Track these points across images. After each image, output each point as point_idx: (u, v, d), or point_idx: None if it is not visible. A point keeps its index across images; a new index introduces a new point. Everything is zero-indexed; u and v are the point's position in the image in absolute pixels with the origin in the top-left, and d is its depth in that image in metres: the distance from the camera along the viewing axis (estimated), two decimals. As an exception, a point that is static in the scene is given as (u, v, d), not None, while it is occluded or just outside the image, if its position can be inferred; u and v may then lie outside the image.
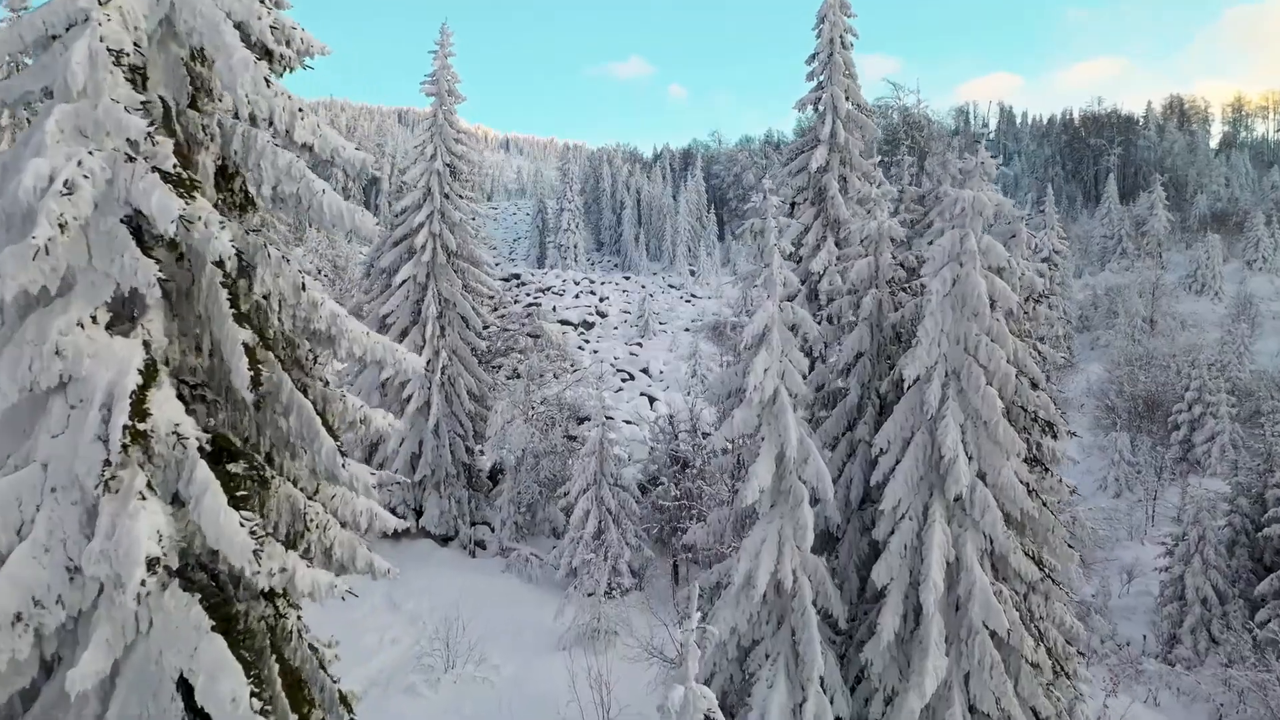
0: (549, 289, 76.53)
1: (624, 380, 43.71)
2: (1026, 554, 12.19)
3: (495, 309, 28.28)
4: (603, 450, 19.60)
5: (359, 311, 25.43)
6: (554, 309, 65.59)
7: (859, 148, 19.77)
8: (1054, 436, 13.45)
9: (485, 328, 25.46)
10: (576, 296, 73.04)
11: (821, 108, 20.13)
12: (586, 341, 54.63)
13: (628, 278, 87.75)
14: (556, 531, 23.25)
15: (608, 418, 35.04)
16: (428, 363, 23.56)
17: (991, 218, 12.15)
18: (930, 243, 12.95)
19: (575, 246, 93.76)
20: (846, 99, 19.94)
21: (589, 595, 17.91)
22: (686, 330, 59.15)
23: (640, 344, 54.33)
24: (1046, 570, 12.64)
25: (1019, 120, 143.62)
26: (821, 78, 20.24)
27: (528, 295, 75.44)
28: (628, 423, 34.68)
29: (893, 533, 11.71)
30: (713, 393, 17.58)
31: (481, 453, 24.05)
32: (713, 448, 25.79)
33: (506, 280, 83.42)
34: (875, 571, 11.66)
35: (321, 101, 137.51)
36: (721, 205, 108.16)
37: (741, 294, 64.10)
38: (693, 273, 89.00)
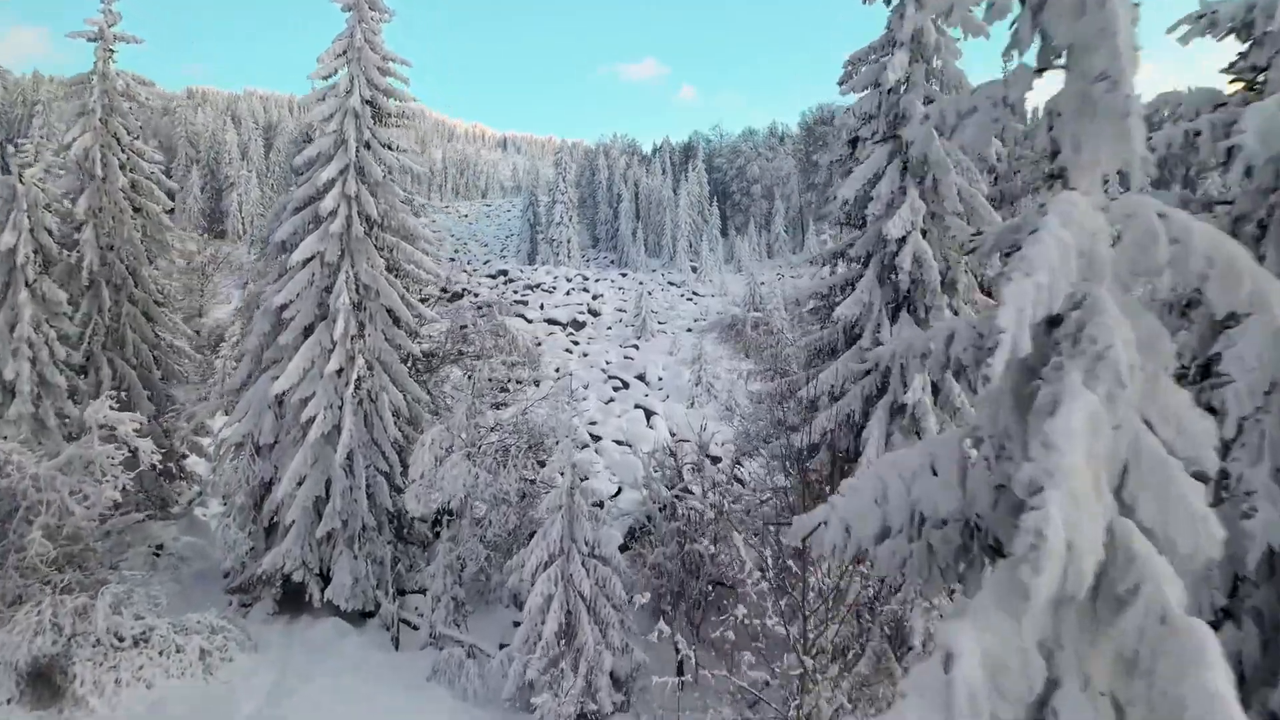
0: (538, 285, 70.16)
1: (616, 389, 37.24)
2: None
3: (442, 298, 21.85)
4: (572, 506, 13.18)
5: (254, 302, 19.00)
6: (541, 306, 59.20)
7: (954, 55, 13.35)
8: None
9: (423, 324, 18.99)
10: (568, 294, 66.66)
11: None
12: (576, 343, 48.20)
13: (624, 274, 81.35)
14: (519, 600, 16.80)
15: (594, 437, 28.78)
16: (339, 371, 17.14)
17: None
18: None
19: (568, 242, 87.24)
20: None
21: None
22: (689, 330, 52.73)
23: (636, 346, 47.88)
24: None
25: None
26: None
27: (514, 293, 69.11)
28: (619, 444, 28.23)
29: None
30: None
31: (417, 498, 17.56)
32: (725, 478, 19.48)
33: (493, 277, 77.07)
34: None
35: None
36: (724, 200, 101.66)
37: (750, 291, 57.50)
38: (694, 269, 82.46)
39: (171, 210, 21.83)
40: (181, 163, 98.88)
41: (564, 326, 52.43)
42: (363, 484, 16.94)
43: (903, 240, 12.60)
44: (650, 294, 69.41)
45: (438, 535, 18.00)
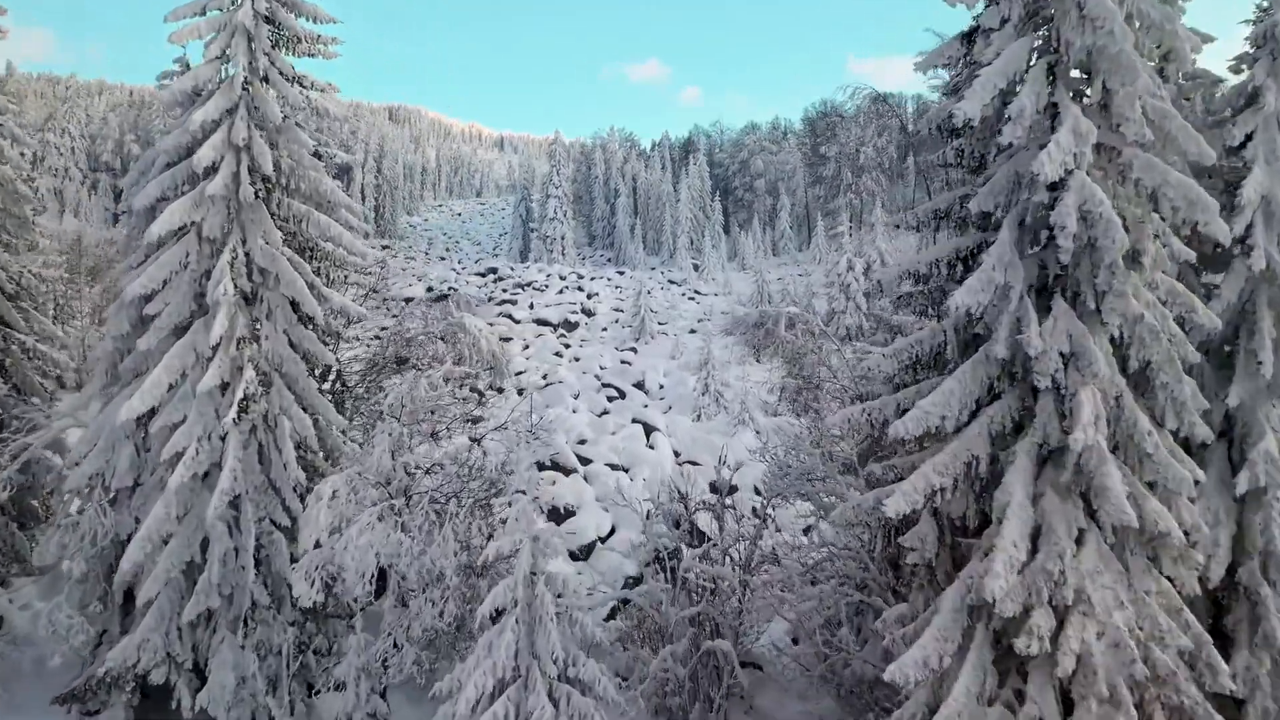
0: (529, 284, 65.33)
1: (611, 399, 32.43)
2: None
3: (370, 294, 16.98)
4: (533, 605, 8.42)
5: (115, 289, 14.21)
6: (530, 306, 54.40)
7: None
8: None
9: (348, 324, 14.17)
10: (560, 292, 61.85)
11: None
12: (567, 345, 43.37)
13: (622, 273, 76.55)
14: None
15: (583, 460, 23.67)
16: (221, 388, 12.38)
17: None
18: None
19: (562, 238, 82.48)
20: None
21: None
22: (692, 331, 47.92)
23: (634, 349, 43.07)
24: None
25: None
26: None
27: (504, 291, 64.36)
28: (614, 468, 23.44)
29: None
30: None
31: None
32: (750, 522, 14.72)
33: (482, 275, 72.23)
34: None
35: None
36: (726, 195, 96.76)
37: (758, 289, 52.86)
38: (696, 267, 77.62)
39: (34, 181, 17.08)
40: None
41: (555, 327, 47.62)
42: (251, 544, 12.13)
43: (1059, 185, 7.84)
44: (649, 292, 64.60)
45: (369, 602, 13.18)
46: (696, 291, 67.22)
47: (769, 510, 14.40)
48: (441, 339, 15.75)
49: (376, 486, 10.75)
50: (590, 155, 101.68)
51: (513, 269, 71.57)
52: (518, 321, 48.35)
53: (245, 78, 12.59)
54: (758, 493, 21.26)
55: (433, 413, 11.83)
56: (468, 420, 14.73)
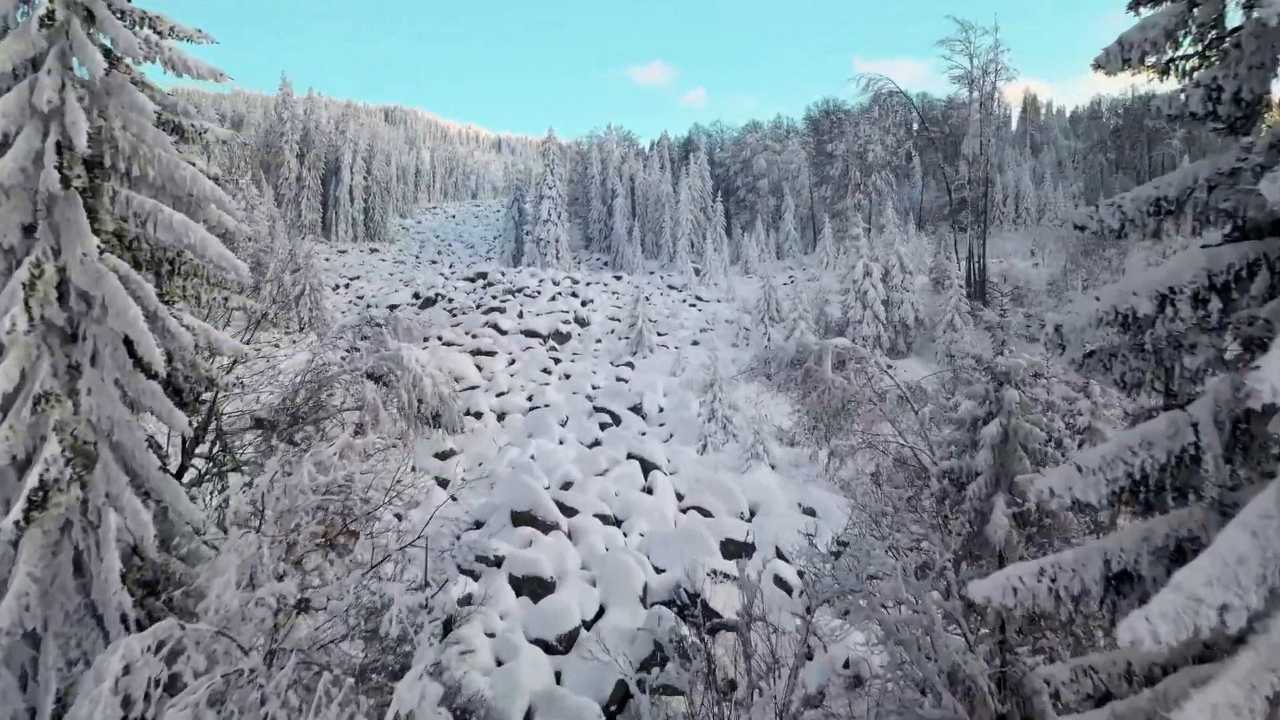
0: (520, 290, 61.22)
1: (604, 425, 28.45)
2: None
3: (263, 320, 12.91)
4: None
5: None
6: (520, 314, 50.36)
7: None
8: None
9: (229, 368, 10.13)
10: (553, 299, 57.79)
11: None
12: (557, 360, 39.34)
13: (619, 277, 72.54)
14: None
15: (566, 510, 18.86)
16: (15, 465, 8.40)
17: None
18: None
19: (557, 241, 78.49)
20: None
21: None
22: (695, 343, 43.91)
23: (631, 364, 39.05)
24: None
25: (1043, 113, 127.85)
26: None
27: (493, 298, 60.35)
28: (604, 521, 19.44)
29: None
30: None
31: None
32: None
33: (471, 280, 68.19)
34: None
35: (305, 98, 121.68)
36: (728, 196, 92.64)
37: (765, 296, 48.68)
38: (697, 271, 73.56)
39: None
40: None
41: (544, 339, 43.60)
42: (50, 704, 8.14)
43: None
44: (648, 299, 60.65)
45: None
46: (698, 298, 63.23)
47: (811, 620, 10.35)
48: (372, 378, 11.76)
49: (217, 639, 6.82)
50: (586, 155, 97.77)
51: (503, 274, 67.45)
52: (504, 332, 44.34)
53: (52, 10, 8.59)
54: (781, 556, 17.30)
55: (325, 510, 7.90)
56: (395, 512, 10.66)
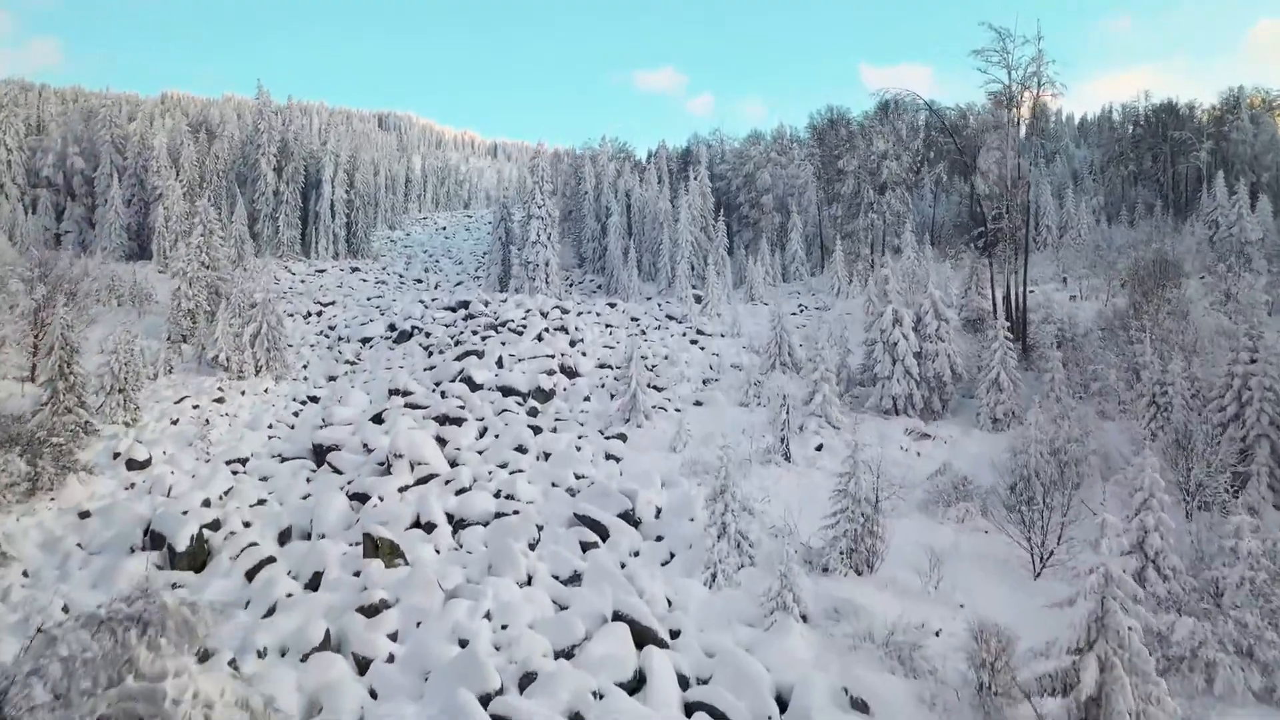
0: (504, 324, 55.43)
1: (585, 545, 22.63)
2: None
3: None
4: None
5: None
6: (500, 362, 44.45)
7: None
8: None
9: None
10: (539, 338, 52.02)
11: None
12: (536, 430, 33.42)
13: (613, 304, 66.82)
14: None
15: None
16: None
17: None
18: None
19: (546, 264, 72.66)
20: None
21: None
22: (698, 404, 38.02)
23: (624, 436, 33.16)
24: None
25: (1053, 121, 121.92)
26: None
27: (473, 334, 54.65)
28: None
29: None
30: None
31: None
32: None
33: (452, 310, 62.39)
34: None
35: (298, 105, 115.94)
36: (730, 213, 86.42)
37: (775, 331, 42.41)
38: (698, 299, 67.48)
39: None
40: (105, 171, 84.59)
41: (524, 398, 37.73)
42: None
43: None
44: (644, 334, 54.98)
45: None
46: (699, 331, 57.42)
47: None
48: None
49: None
50: (579, 168, 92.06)
51: (486, 304, 61.65)
52: (477, 388, 38.50)
53: None
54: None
55: None
56: None
